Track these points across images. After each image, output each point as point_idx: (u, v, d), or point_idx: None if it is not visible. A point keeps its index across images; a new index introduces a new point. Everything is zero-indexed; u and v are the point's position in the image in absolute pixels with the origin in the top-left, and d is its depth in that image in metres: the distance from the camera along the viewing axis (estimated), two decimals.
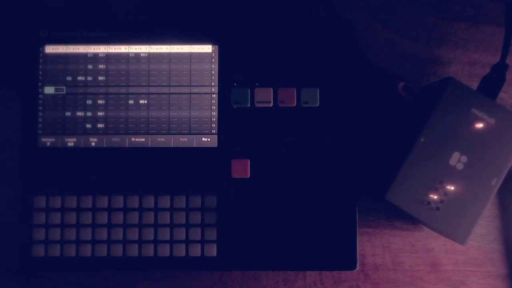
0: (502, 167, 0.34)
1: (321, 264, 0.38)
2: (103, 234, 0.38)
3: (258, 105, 0.39)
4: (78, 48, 0.39)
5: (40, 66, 0.39)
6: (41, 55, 0.39)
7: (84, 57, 0.39)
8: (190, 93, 0.39)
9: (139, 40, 0.39)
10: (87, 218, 0.38)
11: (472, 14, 0.41)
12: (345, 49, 0.39)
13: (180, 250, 0.38)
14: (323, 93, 0.39)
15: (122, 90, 0.39)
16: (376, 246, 0.40)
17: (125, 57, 0.39)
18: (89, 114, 0.39)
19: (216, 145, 0.39)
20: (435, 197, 0.35)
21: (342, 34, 0.39)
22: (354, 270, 0.38)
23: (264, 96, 0.39)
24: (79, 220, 0.38)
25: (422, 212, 0.35)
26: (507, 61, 0.36)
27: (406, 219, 0.40)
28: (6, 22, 0.41)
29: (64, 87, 0.39)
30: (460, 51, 0.41)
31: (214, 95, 0.39)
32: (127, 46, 0.39)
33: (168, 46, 0.39)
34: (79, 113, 0.39)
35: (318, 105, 0.39)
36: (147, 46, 0.39)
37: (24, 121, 0.39)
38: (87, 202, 0.38)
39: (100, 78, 0.39)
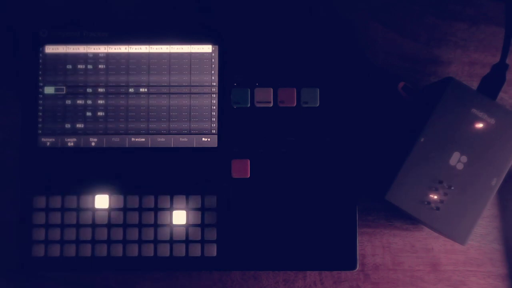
0: (502, 167, 0.34)
1: (321, 264, 0.38)
2: (103, 234, 0.38)
3: (258, 105, 0.39)
4: (78, 48, 0.39)
5: (40, 66, 0.39)
6: (41, 55, 0.39)
7: (84, 57, 0.39)
8: (190, 93, 0.39)
9: (139, 40, 0.39)
10: (87, 218, 0.38)
11: (472, 14, 0.41)
12: (345, 49, 0.39)
13: (180, 250, 0.38)
14: (323, 93, 0.39)
15: (122, 90, 0.39)
16: (376, 246, 0.40)
17: (125, 57, 0.39)
18: (89, 114, 0.39)
19: (216, 145, 0.39)
20: (435, 197, 0.35)
21: (342, 34, 0.39)
22: (354, 270, 0.38)
23: (264, 96, 0.39)
24: (79, 220, 0.38)
25: (422, 212, 0.35)
26: (507, 61, 0.36)
27: (406, 219, 0.40)
28: (6, 22, 0.41)
29: (64, 87, 0.39)
30: (460, 51, 0.41)
31: (214, 95, 0.39)
32: (127, 46, 0.39)
33: (168, 46, 0.39)
34: (79, 113, 0.39)
35: (318, 105, 0.39)
36: (147, 46, 0.39)
37: (24, 121, 0.39)
38: (87, 202, 0.38)
39: (100, 78, 0.39)
